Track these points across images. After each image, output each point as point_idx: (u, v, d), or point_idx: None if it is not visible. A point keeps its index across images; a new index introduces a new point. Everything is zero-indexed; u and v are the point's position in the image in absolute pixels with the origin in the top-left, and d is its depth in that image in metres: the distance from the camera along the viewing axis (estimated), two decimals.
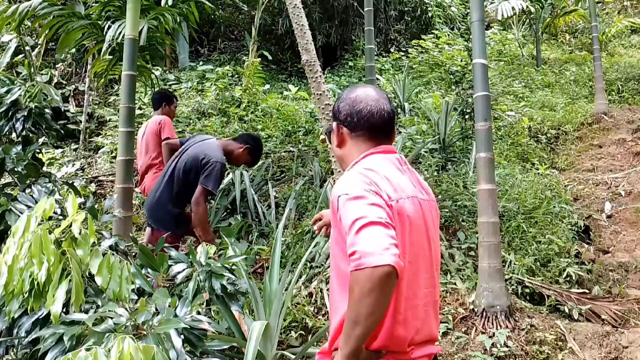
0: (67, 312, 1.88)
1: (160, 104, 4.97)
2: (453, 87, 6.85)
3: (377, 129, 1.62)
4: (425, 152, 5.92)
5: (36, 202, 2.14)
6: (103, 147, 7.19)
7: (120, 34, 4.25)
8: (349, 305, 1.31)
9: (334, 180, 4.57)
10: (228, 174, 5.50)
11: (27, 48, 7.45)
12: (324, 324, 3.48)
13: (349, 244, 1.32)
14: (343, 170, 1.69)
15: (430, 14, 11.02)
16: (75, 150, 7.48)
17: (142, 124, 5.51)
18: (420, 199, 1.59)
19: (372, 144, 1.63)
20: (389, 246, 1.28)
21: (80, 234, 1.81)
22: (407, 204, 1.51)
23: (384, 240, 1.29)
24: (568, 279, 3.99)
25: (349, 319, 1.32)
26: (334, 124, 1.68)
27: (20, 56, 8.24)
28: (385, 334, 1.45)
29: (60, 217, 2.22)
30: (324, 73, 6.95)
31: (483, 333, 3.27)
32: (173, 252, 2.45)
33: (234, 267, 2.59)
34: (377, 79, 8.38)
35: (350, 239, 1.32)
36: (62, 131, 7.55)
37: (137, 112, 7.04)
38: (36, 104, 3.09)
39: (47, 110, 3.16)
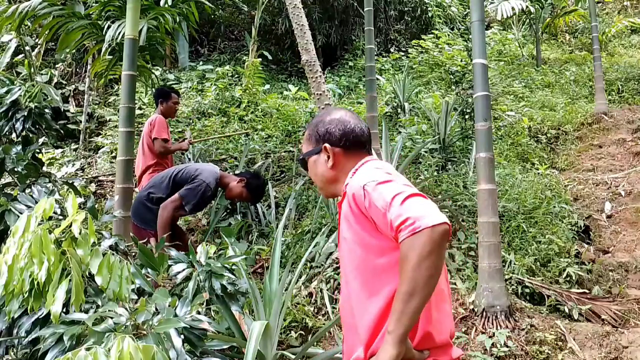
0: (67, 312, 1.88)
1: (157, 101, 4.97)
2: (453, 87, 6.85)
3: (365, 145, 1.71)
4: (425, 152, 5.92)
5: (36, 202, 2.14)
6: (103, 147, 7.19)
7: (120, 34, 4.25)
8: (403, 277, 1.30)
9: None
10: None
11: (27, 48, 7.45)
12: (324, 323, 3.48)
13: (395, 216, 1.32)
14: (328, 193, 1.73)
15: (430, 14, 11.02)
16: (75, 150, 7.49)
17: (142, 124, 5.51)
18: None
19: (362, 158, 1.69)
20: (437, 210, 1.32)
21: (80, 234, 1.81)
22: None
23: (431, 205, 1.34)
24: (568, 279, 3.99)
25: (403, 294, 1.30)
26: (325, 146, 1.65)
27: (20, 56, 8.24)
28: (425, 322, 1.44)
29: (60, 217, 2.22)
30: (324, 73, 6.96)
31: (483, 333, 3.28)
32: (173, 252, 2.46)
33: (234, 267, 2.59)
34: (377, 79, 8.38)
35: (395, 212, 1.33)
36: (62, 131, 7.55)
37: (137, 112, 7.05)
38: (36, 104, 3.09)
39: (47, 110, 3.16)
